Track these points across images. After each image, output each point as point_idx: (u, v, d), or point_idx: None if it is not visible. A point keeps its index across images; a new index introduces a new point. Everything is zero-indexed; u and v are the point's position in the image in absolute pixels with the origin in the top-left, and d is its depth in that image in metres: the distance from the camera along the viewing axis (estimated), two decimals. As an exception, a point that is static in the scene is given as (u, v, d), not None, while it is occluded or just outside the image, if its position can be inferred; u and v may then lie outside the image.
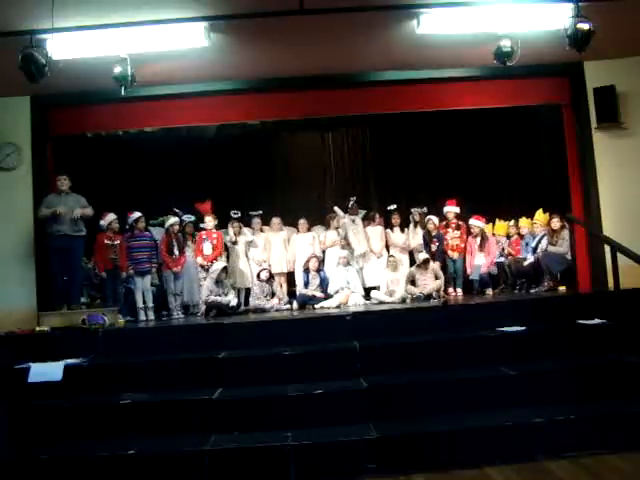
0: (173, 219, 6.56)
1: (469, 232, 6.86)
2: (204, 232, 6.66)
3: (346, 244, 6.91)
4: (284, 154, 8.13)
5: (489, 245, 6.73)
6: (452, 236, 6.77)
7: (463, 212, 7.10)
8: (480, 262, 6.65)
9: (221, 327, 4.69)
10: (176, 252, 6.37)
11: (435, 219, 6.91)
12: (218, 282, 6.08)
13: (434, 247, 6.63)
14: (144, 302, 6.06)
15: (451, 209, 6.90)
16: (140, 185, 7.43)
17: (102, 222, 6.10)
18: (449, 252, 6.72)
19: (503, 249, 6.86)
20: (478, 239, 6.75)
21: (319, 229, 7.18)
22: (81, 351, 4.26)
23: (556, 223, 6.16)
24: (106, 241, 5.97)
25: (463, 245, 6.77)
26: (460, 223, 6.84)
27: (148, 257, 6.19)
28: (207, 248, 6.52)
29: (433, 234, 6.77)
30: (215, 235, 6.63)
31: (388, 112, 6.64)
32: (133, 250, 6.14)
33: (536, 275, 6.19)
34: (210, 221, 6.68)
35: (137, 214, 6.34)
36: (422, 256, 6.37)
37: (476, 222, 6.81)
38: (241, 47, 5.29)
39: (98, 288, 6.30)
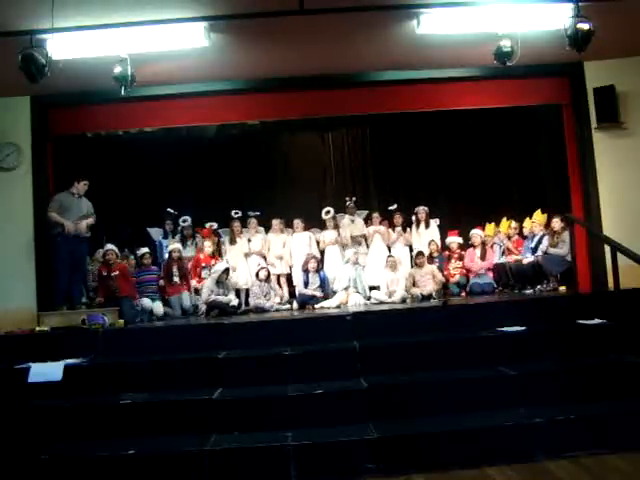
0: (174, 245, 6.50)
1: (469, 244, 6.92)
2: (201, 258, 6.59)
3: (346, 243, 6.95)
4: (284, 154, 8.13)
5: (489, 256, 6.78)
6: (454, 266, 6.79)
7: (462, 214, 7.12)
8: (481, 272, 6.69)
9: (221, 327, 4.69)
10: (176, 279, 6.30)
11: (438, 240, 6.97)
12: (219, 282, 6.08)
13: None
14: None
15: (454, 239, 6.93)
16: (140, 185, 7.44)
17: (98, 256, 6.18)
18: (451, 279, 6.71)
19: (503, 252, 6.85)
20: (478, 251, 6.78)
21: (315, 230, 7.18)
22: (81, 351, 4.25)
23: (557, 224, 6.14)
24: (103, 273, 5.90)
25: (465, 270, 6.79)
26: (463, 253, 6.87)
27: (155, 290, 6.25)
28: (206, 275, 6.49)
29: (435, 255, 6.84)
30: (213, 262, 6.56)
31: (388, 112, 6.65)
32: (143, 284, 6.22)
33: (536, 275, 6.19)
34: (209, 247, 6.65)
35: (143, 250, 6.41)
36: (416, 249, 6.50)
37: (477, 232, 6.87)
38: (241, 47, 5.29)
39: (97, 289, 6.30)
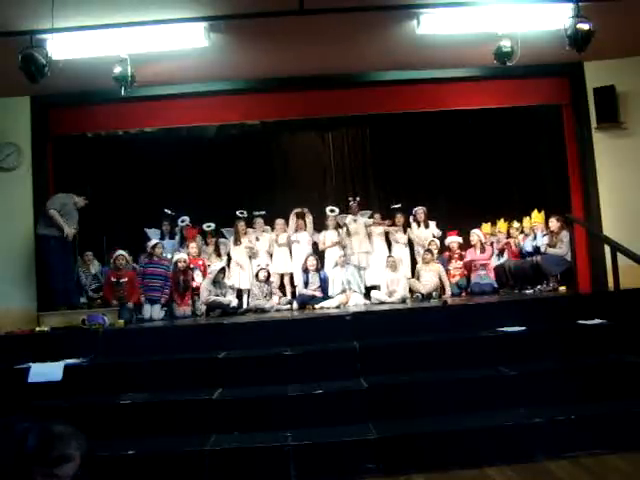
0: (179, 255, 6.34)
1: (469, 245, 6.91)
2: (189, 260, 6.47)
3: (346, 244, 6.95)
4: (284, 154, 8.12)
5: (487, 249, 6.78)
6: (454, 266, 6.80)
7: (462, 214, 7.10)
8: (482, 272, 6.69)
9: (221, 327, 4.69)
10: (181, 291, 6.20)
11: (437, 241, 6.98)
12: (215, 282, 6.07)
13: None
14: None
15: (454, 239, 6.93)
16: (140, 185, 7.42)
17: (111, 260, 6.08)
18: (451, 279, 6.70)
19: (504, 250, 6.85)
20: (478, 251, 6.79)
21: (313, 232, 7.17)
22: (81, 351, 4.25)
23: (554, 224, 6.13)
24: (112, 279, 5.81)
25: (466, 271, 6.80)
26: (463, 253, 6.87)
27: (160, 286, 6.03)
28: (198, 277, 6.45)
29: (436, 257, 6.84)
30: (200, 262, 6.55)
31: (388, 112, 6.65)
32: (147, 276, 6.03)
33: (536, 275, 6.18)
34: (193, 247, 6.61)
35: (154, 240, 6.32)
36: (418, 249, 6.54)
37: (477, 232, 6.88)
38: (241, 47, 5.29)
39: (95, 289, 6.28)
